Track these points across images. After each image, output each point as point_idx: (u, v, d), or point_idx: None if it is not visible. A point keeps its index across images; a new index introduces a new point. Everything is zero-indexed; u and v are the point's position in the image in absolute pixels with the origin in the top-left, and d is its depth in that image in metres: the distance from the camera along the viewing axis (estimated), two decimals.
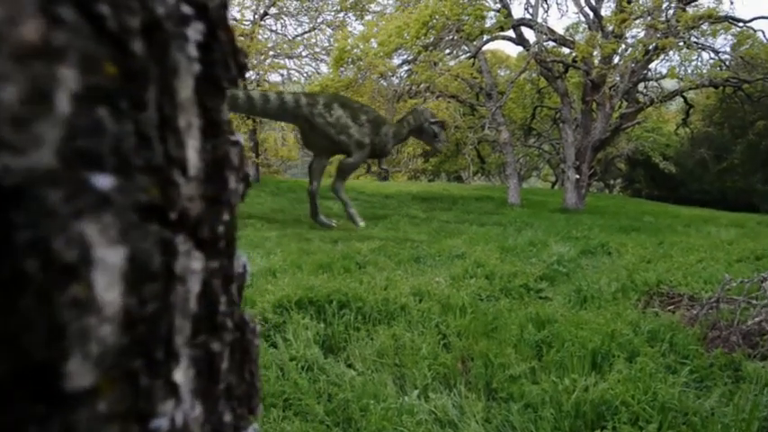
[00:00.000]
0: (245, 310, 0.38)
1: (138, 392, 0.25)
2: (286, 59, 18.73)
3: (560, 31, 14.15)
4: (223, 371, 0.33)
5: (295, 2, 18.33)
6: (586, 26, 13.88)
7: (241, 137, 0.36)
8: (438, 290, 4.02)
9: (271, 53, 18.00)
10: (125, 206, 0.24)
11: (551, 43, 12.94)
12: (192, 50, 0.28)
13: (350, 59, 11.59)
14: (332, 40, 17.77)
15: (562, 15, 28.19)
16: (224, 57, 0.32)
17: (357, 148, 7.87)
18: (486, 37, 12.17)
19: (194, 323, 0.29)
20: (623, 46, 12.13)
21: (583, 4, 13.07)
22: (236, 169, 0.34)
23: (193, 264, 0.28)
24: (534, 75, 17.18)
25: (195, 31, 0.28)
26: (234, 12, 18.42)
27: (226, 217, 0.33)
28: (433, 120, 8.64)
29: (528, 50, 12.16)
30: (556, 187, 27.56)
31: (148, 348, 0.26)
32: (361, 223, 7.57)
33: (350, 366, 2.81)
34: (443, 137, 8.94)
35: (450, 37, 11.49)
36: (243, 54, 0.34)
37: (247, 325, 0.37)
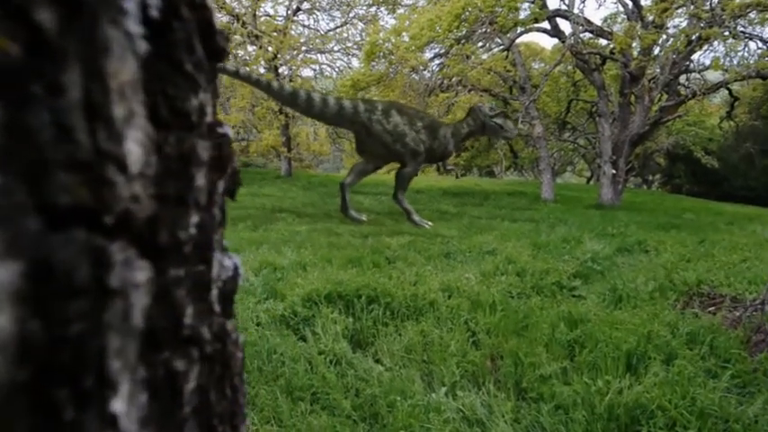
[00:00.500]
0: (230, 320, 0.35)
1: (61, 430, 0.22)
2: (318, 54, 18.85)
3: (597, 21, 13.77)
4: (188, 392, 0.29)
5: None
6: (625, 16, 13.43)
7: (229, 129, 0.34)
8: (468, 286, 3.98)
9: (303, 48, 18.13)
10: (16, 210, 0.20)
11: (588, 35, 12.58)
12: (134, 26, 0.24)
13: (381, 53, 11.55)
14: (363, 34, 17.78)
15: (600, 6, 27.38)
16: (188, 37, 0.28)
17: (412, 158, 7.81)
18: (520, 29, 11.92)
19: (146, 341, 0.25)
20: (664, 36, 11.68)
21: None
22: (205, 165, 0.30)
23: (137, 275, 0.25)
24: (570, 67, 16.79)
25: (139, 5, 0.24)
26: (267, 8, 18.67)
27: (194, 219, 0.29)
28: (492, 113, 8.45)
29: (563, 42, 11.87)
30: (591, 183, 26.92)
31: (72, 377, 0.22)
32: (428, 224, 7.49)
33: (378, 362, 2.81)
34: (510, 125, 8.68)
35: (483, 29, 11.31)
36: (222, 36, 0.31)
37: (229, 336, 0.35)
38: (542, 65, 22.95)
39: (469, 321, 3.29)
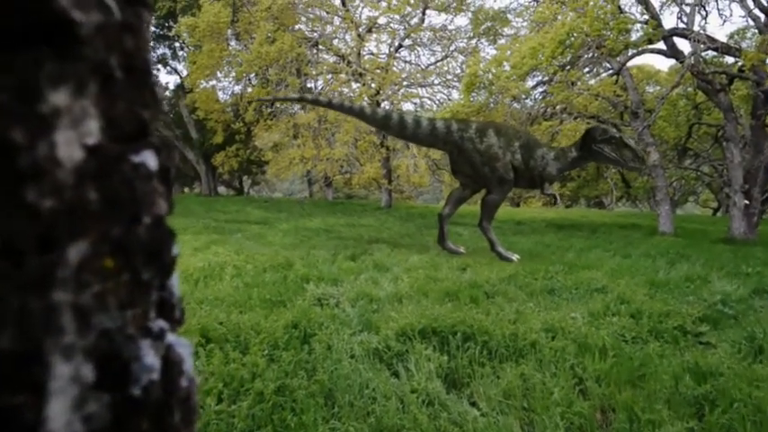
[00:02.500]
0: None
1: None
2: (419, 88, 19.25)
3: (722, 38, 12.60)
4: None
5: (428, 32, 18.84)
6: (756, 30, 12.16)
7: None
8: (574, 327, 3.66)
9: (404, 83, 18.64)
10: None
11: (711, 53, 11.54)
12: None
13: (481, 84, 11.47)
14: (464, 66, 17.88)
15: (725, 21, 25.11)
16: None
17: (498, 185, 7.45)
18: (631, 51, 11.24)
19: None
20: None
21: (751, 5, 11.48)
22: None
23: None
24: (690, 89, 15.46)
25: None
26: (371, 46, 19.51)
27: None
28: (602, 136, 7.36)
29: (682, 63, 10.96)
30: (719, 214, 24.32)
31: None
32: (515, 257, 7.10)
33: (473, 405, 2.65)
34: (627, 155, 7.39)
35: (590, 54, 10.82)
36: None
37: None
38: (657, 88, 21.47)
39: (576, 366, 3.00)
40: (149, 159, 0.36)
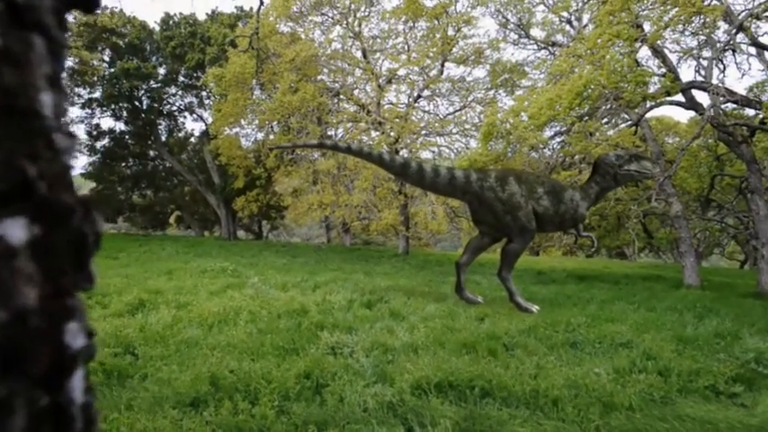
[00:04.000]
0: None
1: None
2: (437, 137, 19.52)
3: (742, 91, 12.61)
4: None
5: (447, 83, 19.28)
6: None
7: None
8: (598, 384, 3.49)
9: (423, 132, 18.94)
10: None
11: (731, 105, 11.52)
12: None
13: (499, 134, 11.58)
14: (482, 116, 18.15)
15: (743, 75, 25.16)
16: None
17: (519, 234, 7.35)
18: (649, 103, 11.30)
19: None
20: None
21: None
22: None
23: None
24: (711, 140, 15.41)
25: None
26: (390, 96, 20.00)
27: None
28: (621, 161, 7.68)
29: (701, 115, 10.96)
30: (746, 267, 23.61)
31: None
32: (535, 308, 6.90)
33: None
34: (647, 164, 7.84)
35: (608, 106, 10.90)
36: None
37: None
38: (677, 139, 21.43)
39: (601, 428, 2.84)
40: (14, 232, 0.26)
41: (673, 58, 11.54)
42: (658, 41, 10.51)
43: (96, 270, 0.33)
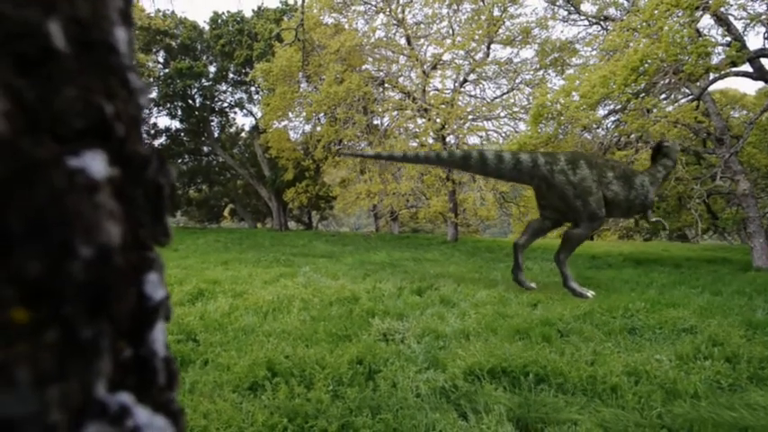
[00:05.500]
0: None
1: None
2: (484, 121, 19.17)
3: None
4: None
5: (494, 66, 18.84)
6: None
7: None
8: (660, 371, 3.36)
9: (470, 117, 18.64)
10: None
11: None
12: None
13: (549, 115, 11.22)
14: (531, 98, 17.65)
15: None
16: None
17: (588, 220, 7.09)
18: (713, 75, 10.62)
19: None
20: None
21: None
22: None
23: None
24: None
25: None
26: (436, 82, 19.77)
27: None
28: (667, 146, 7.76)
29: None
30: None
31: None
32: (590, 293, 6.69)
33: None
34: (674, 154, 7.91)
35: (667, 80, 10.32)
36: None
37: None
38: (744, 112, 20.09)
39: (664, 415, 2.73)
40: (94, 165, 0.25)
41: (738, 25, 10.75)
42: (722, 8, 9.83)
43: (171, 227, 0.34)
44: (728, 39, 10.43)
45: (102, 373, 0.25)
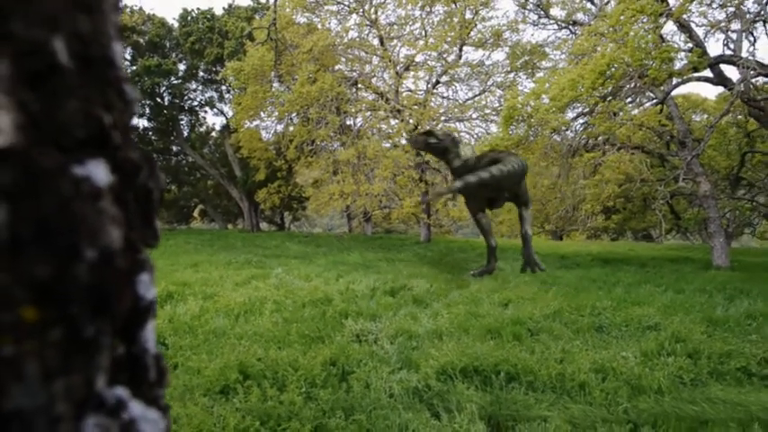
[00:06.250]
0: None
1: None
2: (457, 123, 19.34)
3: None
4: None
5: (466, 68, 19.04)
6: None
7: None
8: (626, 367, 3.46)
9: (442, 118, 18.79)
10: None
11: (762, 79, 11.12)
12: None
13: (520, 117, 11.41)
14: (502, 100, 17.90)
15: None
16: None
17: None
18: (675, 80, 10.98)
19: None
20: None
21: None
22: None
23: None
24: (740, 117, 14.92)
25: None
26: (408, 83, 19.85)
27: None
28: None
29: (731, 90, 10.61)
30: None
31: None
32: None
33: None
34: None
35: (632, 84, 10.62)
36: None
37: None
38: (705, 116, 20.84)
39: (630, 411, 2.81)
40: (98, 173, 0.27)
41: (699, 32, 11.16)
42: (684, 15, 10.18)
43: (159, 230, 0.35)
44: (690, 45, 10.81)
45: (102, 369, 0.27)
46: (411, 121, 17.18)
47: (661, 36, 10.56)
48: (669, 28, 11.83)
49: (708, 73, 11.02)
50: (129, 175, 0.30)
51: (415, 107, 17.47)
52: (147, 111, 24.79)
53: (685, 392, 3.10)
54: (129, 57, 24.69)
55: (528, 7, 18.13)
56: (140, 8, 24.30)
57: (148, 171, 0.32)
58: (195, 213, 31.38)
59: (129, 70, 23.60)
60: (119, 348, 0.29)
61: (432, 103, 18.56)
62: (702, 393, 3.09)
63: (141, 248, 0.32)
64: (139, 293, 0.30)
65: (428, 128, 9.08)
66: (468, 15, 17.15)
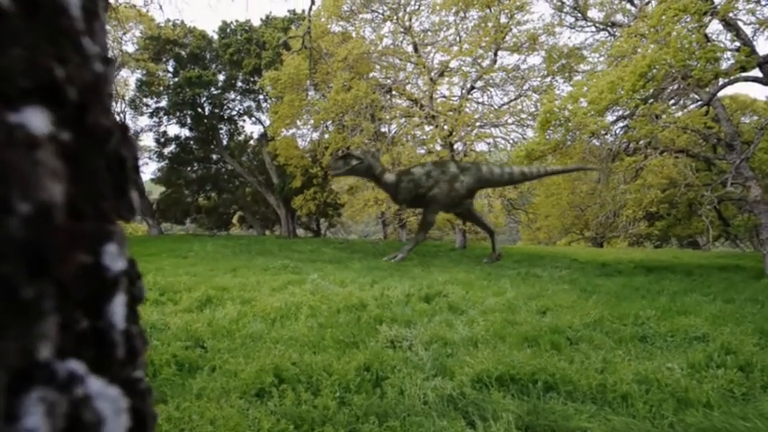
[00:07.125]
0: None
1: None
2: (492, 128, 19.14)
3: None
4: None
5: (501, 73, 18.85)
6: None
7: None
8: (672, 379, 3.31)
9: (477, 124, 18.62)
10: None
11: None
12: None
13: (557, 121, 11.19)
14: (538, 104, 17.61)
15: None
16: None
17: None
18: (722, 81, 10.55)
19: None
20: None
21: None
22: None
23: None
24: None
25: None
26: (443, 89, 19.79)
27: None
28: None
29: None
30: None
31: None
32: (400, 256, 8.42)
33: None
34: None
35: (675, 86, 10.27)
36: None
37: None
38: (755, 118, 19.94)
39: (676, 425, 2.69)
40: (34, 121, 0.24)
41: (747, 30, 10.70)
42: (730, 13, 9.78)
43: (137, 202, 0.33)
44: (737, 44, 10.37)
45: (47, 337, 0.24)
46: (446, 127, 17.10)
47: (706, 35, 10.19)
48: (714, 27, 11.44)
49: (757, 73, 10.54)
50: (96, 139, 0.29)
51: (450, 113, 17.37)
52: (189, 121, 25.59)
53: (736, 407, 2.94)
54: (171, 69, 25.59)
55: (565, 10, 17.84)
56: (182, 21, 25.16)
57: (120, 138, 0.30)
58: (234, 220, 32.08)
59: (171, 82, 24.45)
60: (81, 322, 0.27)
61: (467, 109, 18.43)
62: (755, 408, 2.93)
63: (113, 218, 0.30)
64: (104, 264, 0.29)
65: (343, 150, 9.93)
66: (504, 20, 16.99)
